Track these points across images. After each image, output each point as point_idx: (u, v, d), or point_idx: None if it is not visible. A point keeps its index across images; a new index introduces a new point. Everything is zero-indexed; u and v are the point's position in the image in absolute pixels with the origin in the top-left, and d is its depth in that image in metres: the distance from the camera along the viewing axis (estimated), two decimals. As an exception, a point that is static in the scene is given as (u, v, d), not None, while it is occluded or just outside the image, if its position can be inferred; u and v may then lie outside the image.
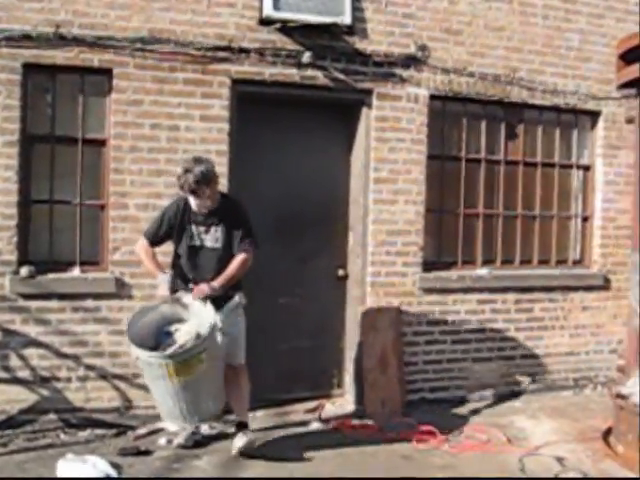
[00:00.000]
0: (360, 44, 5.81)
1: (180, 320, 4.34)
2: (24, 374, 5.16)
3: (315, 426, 5.40)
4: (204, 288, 4.28)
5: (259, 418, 5.50)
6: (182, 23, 5.37)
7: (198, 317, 4.25)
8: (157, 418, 5.13)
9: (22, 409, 5.14)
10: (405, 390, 5.84)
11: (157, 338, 4.32)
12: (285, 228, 5.78)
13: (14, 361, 5.14)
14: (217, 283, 4.31)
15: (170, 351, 4.17)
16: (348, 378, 6.05)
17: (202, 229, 4.43)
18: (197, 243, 4.46)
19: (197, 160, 4.38)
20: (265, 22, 5.52)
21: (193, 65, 5.39)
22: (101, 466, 4.33)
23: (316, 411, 5.70)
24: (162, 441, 4.97)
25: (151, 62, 5.30)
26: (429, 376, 6.11)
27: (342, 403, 5.96)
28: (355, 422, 5.47)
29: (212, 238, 4.42)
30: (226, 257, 4.41)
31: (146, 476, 4.42)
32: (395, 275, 5.96)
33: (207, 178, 4.29)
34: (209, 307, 4.24)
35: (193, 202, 4.39)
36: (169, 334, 4.32)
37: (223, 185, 5.35)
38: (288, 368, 5.81)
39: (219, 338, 4.33)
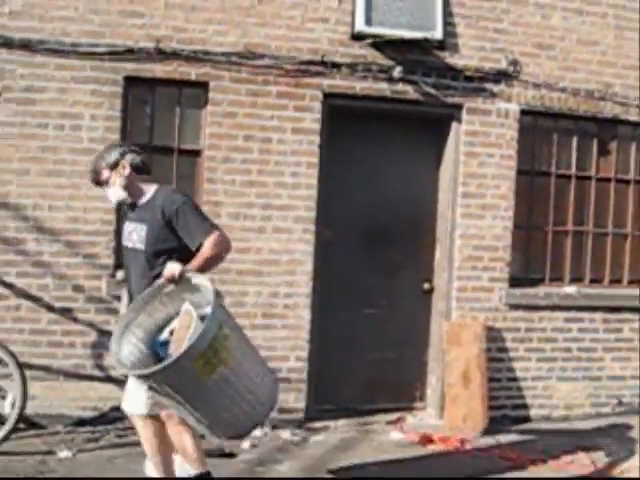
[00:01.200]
0: (451, 59, 6.00)
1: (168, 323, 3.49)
2: (117, 373, 5.53)
3: (396, 437, 5.60)
4: (174, 268, 3.42)
5: (340, 427, 5.74)
6: (277, 38, 5.66)
7: (185, 301, 3.40)
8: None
9: (113, 406, 5.47)
10: (487, 406, 5.96)
11: (155, 356, 3.45)
12: (373, 240, 5.99)
13: (108, 360, 5.50)
14: (192, 265, 3.47)
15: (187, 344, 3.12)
16: (430, 391, 6.21)
17: (132, 227, 3.74)
18: (127, 244, 3.81)
19: (108, 146, 3.98)
20: (357, 37, 5.77)
21: (286, 79, 5.69)
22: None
23: (397, 423, 5.89)
24: (246, 444, 5.22)
25: (246, 76, 5.62)
26: (512, 393, 6.18)
27: (423, 416, 6.12)
28: (436, 436, 5.62)
29: (138, 238, 3.67)
30: (154, 262, 3.60)
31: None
32: (481, 290, 6.09)
33: (108, 163, 3.73)
34: (196, 280, 3.41)
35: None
36: (165, 344, 3.43)
37: (311, 196, 5.65)
38: (371, 379, 6.00)
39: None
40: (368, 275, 5.95)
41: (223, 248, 3.65)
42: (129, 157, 3.78)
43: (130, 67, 5.47)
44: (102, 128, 5.42)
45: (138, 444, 4.89)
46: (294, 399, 5.69)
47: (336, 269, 5.83)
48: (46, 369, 5.44)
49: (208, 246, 3.55)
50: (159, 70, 5.50)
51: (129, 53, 5.46)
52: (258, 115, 5.62)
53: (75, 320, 5.46)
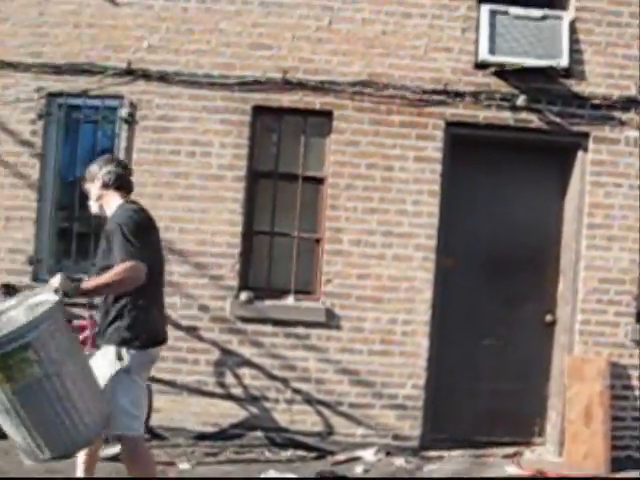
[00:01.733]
0: (577, 86, 5.97)
1: None
2: (237, 391, 5.81)
3: (512, 472, 5.56)
4: (55, 279, 3.21)
5: (455, 457, 5.76)
6: (400, 68, 5.84)
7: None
8: (357, 446, 5.59)
9: (233, 423, 5.78)
10: (610, 446, 5.82)
11: None
12: (494, 269, 6.00)
13: (229, 379, 5.80)
14: (85, 283, 3.29)
15: None
16: (550, 427, 6.12)
17: (101, 242, 3.60)
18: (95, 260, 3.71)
19: (98, 159, 3.85)
20: (480, 66, 5.85)
21: (409, 108, 5.84)
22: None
23: (514, 457, 5.85)
24: (359, 470, 5.35)
25: (369, 105, 5.82)
26: (638, 434, 6.03)
27: (541, 452, 6.03)
28: (554, 473, 5.54)
29: (99, 254, 3.58)
30: None
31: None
32: (606, 325, 5.97)
33: (89, 175, 3.70)
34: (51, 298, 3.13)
35: None
36: None
37: (432, 224, 5.75)
38: (489, 410, 5.97)
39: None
40: (489, 305, 5.95)
41: (123, 278, 3.27)
42: (104, 171, 3.66)
43: (258, 97, 5.78)
44: (230, 155, 5.75)
45: (255, 461, 5.15)
46: (409, 427, 5.77)
47: (456, 298, 5.87)
48: (171, 384, 5.78)
49: (111, 271, 3.30)
50: (285, 100, 5.78)
51: (257, 84, 5.78)
52: (381, 143, 5.79)
53: (200, 338, 5.77)
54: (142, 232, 3.48)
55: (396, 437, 5.69)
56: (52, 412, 3.00)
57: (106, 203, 3.68)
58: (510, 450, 5.94)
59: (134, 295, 3.43)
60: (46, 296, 3.14)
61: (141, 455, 3.54)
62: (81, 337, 5.30)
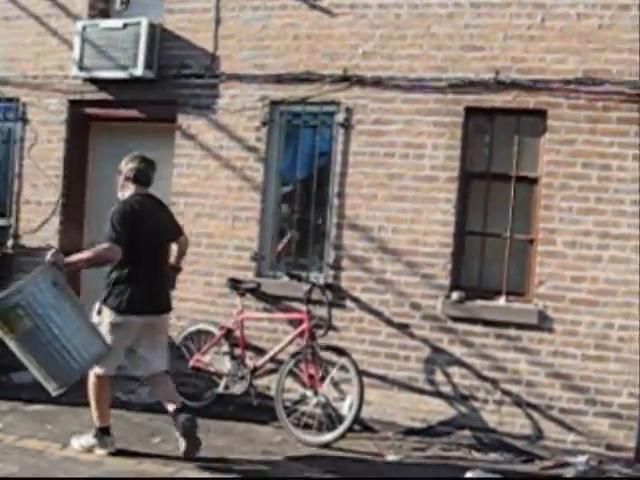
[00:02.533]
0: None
1: None
2: (446, 389, 6.05)
3: None
4: (49, 253, 4.39)
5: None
6: (618, 62, 5.74)
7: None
8: (567, 452, 5.61)
9: (441, 421, 6.02)
10: None
11: None
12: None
13: (439, 376, 6.06)
14: (70, 257, 4.50)
15: None
16: None
17: None
18: None
19: (129, 156, 5.00)
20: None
21: (627, 104, 5.75)
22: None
23: None
24: (570, 474, 5.33)
25: (584, 102, 5.80)
26: None
27: None
28: None
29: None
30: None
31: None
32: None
33: (119, 168, 4.93)
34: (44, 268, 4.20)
35: None
36: None
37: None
38: None
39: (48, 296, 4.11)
40: None
41: (97, 256, 4.50)
42: (127, 167, 4.85)
43: (470, 98, 5.99)
44: (443, 156, 6.01)
45: (459, 460, 5.37)
46: (624, 437, 5.67)
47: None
48: (382, 378, 6.15)
49: (91, 249, 4.61)
50: (498, 100, 5.94)
51: (469, 85, 5.99)
52: (597, 142, 5.75)
53: (411, 335, 6.09)
54: (126, 221, 4.56)
55: (609, 447, 5.63)
56: (47, 353, 4.09)
57: (123, 193, 4.84)
58: None
59: (118, 270, 4.61)
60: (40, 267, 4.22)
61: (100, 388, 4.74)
62: (299, 329, 5.81)
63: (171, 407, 4.86)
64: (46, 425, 5.56)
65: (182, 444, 4.80)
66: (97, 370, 4.64)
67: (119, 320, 4.63)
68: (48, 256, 4.33)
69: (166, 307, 4.96)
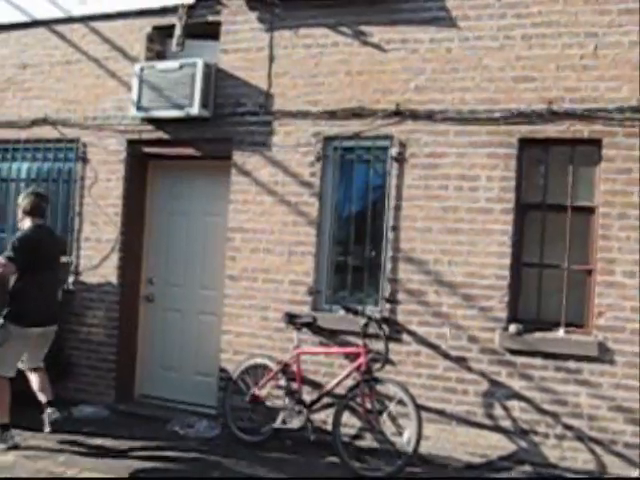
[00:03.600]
0: None
1: None
2: (505, 424, 6.11)
3: None
4: None
5: None
6: (674, 89, 5.86)
7: None
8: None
9: (500, 456, 6.07)
10: None
11: None
12: None
13: (497, 410, 6.13)
14: None
15: None
16: None
17: None
18: None
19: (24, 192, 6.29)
20: None
21: (687, 131, 5.84)
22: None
23: None
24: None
25: (640, 130, 5.92)
26: None
27: None
28: None
29: None
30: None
31: None
32: None
33: (18, 203, 6.22)
34: None
35: None
36: None
37: None
38: None
39: None
40: None
41: None
42: (24, 202, 6.08)
43: (524, 129, 6.14)
44: (497, 188, 6.16)
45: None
46: None
47: None
48: (440, 413, 6.26)
49: None
50: (552, 130, 6.07)
51: (522, 116, 6.14)
52: (655, 170, 5.79)
53: (469, 369, 6.20)
54: (24, 245, 5.76)
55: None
56: None
57: (22, 225, 6.07)
58: None
59: (17, 286, 5.85)
60: None
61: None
62: (356, 363, 5.99)
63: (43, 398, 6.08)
64: (107, 460, 5.79)
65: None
66: None
67: (19, 332, 5.84)
68: None
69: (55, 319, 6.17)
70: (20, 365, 6.04)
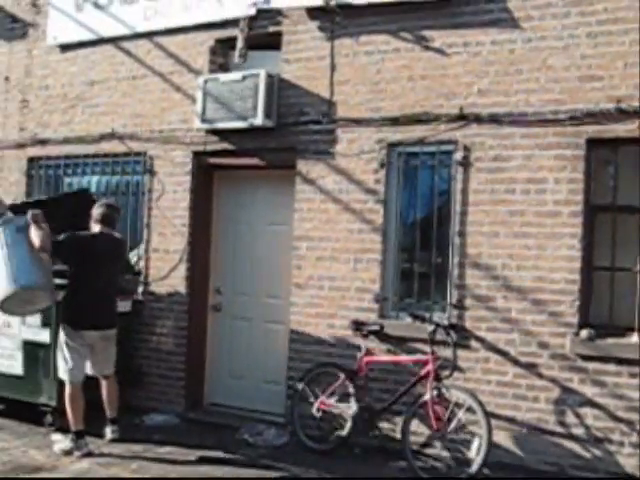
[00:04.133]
0: None
1: None
2: (578, 431, 6.00)
3: None
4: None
5: None
6: None
7: None
8: None
9: (574, 465, 5.98)
10: None
11: None
12: None
13: (570, 418, 6.03)
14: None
15: None
16: None
17: None
18: None
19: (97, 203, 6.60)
20: None
21: None
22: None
23: None
24: None
25: None
26: None
27: None
28: None
29: None
30: None
31: None
32: None
33: (90, 213, 6.50)
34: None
35: None
36: None
37: None
38: None
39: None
40: None
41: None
42: (96, 212, 6.40)
43: (591, 129, 6.04)
44: (565, 190, 6.08)
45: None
46: None
47: None
48: (511, 420, 6.20)
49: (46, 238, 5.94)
50: (621, 130, 5.96)
51: (589, 116, 6.04)
52: None
53: (539, 375, 6.12)
54: (70, 239, 6.05)
55: None
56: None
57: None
58: None
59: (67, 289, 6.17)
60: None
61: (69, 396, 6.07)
62: (424, 371, 6.00)
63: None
64: (177, 467, 5.94)
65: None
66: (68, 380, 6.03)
67: (72, 334, 6.10)
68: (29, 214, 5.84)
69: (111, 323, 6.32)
70: (89, 371, 6.23)
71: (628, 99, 5.92)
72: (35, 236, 5.71)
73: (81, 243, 6.07)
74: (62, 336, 6.06)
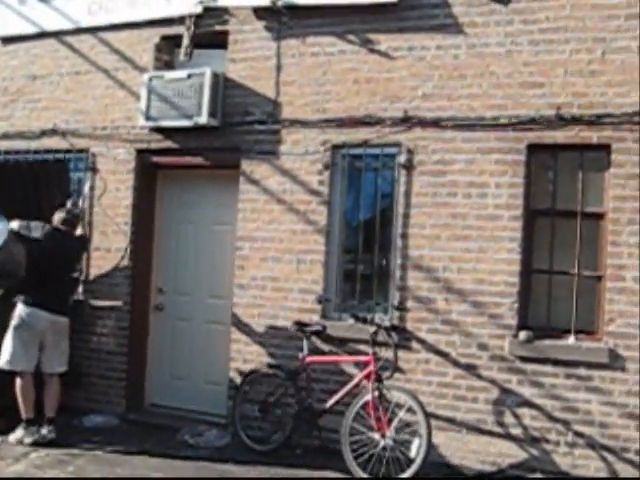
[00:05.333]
0: None
1: None
2: (516, 431, 6.10)
3: None
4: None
5: None
6: (680, 94, 5.84)
7: None
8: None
9: (511, 464, 6.07)
10: None
11: None
12: None
13: (508, 418, 6.13)
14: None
15: None
16: None
17: None
18: None
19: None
20: None
21: (692, 137, 5.81)
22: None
23: None
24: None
25: (650, 135, 5.91)
26: None
27: None
28: None
29: None
30: None
31: None
32: None
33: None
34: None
35: None
36: None
37: None
38: None
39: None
40: None
41: None
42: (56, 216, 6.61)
43: (532, 135, 6.16)
44: (506, 195, 6.18)
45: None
46: None
47: None
48: (450, 421, 6.27)
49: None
50: (560, 136, 6.08)
51: (531, 122, 6.16)
52: (663, 176, 5.78)
53: (479, 376, 6.21)
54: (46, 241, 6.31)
55: None
56: None
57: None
58: None
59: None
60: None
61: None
62: (365, 371, 6.03)
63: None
64: (116, 469, 5.85)
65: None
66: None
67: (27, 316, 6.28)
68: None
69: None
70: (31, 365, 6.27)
71: (567, 106, 6.06)
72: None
73: (51, 237, 6.41)
74: (12, 324, 6.16)
